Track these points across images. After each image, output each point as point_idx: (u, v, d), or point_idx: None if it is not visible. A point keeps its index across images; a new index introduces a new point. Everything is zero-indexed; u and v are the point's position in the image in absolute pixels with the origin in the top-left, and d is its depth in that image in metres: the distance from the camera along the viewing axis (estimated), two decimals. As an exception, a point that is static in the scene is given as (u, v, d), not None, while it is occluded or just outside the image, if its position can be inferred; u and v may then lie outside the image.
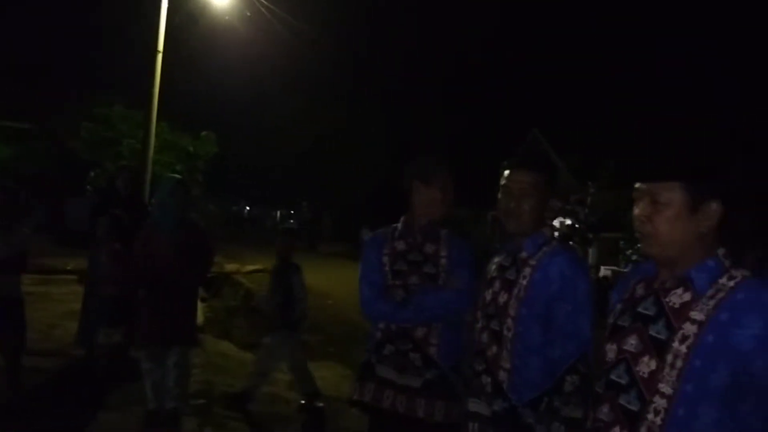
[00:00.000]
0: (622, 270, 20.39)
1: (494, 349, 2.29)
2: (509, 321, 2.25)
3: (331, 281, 15.37)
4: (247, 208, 53.47)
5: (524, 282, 2.26)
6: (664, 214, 1.59)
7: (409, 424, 2.69)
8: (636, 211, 1.66)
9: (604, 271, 19.78)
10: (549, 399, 2.15)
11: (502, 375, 2.24)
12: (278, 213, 50.29)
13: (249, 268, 15.92)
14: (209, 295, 11.57)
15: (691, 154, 1.65)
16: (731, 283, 1.54)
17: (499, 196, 2.37)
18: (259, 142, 35.09)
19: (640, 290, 1.71)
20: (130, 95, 17.27)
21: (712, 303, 1.53)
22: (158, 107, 11.34)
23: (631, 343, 1.64)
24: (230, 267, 15.69)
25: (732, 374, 1.47)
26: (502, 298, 2.30)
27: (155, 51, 11.31)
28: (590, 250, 21.12)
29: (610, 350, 1.70)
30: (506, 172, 2.35)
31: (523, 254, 2.33)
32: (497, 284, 2.36)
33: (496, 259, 2.46)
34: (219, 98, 33.02)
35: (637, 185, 1.67)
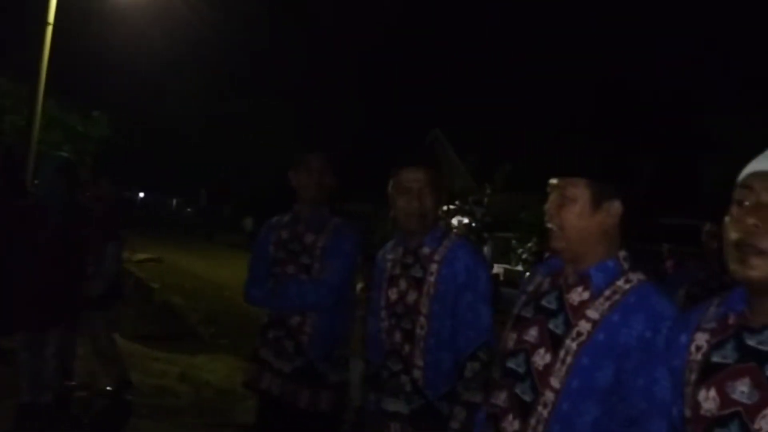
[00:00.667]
0: (513, 268, 21.25)
1: (407, 348, 2.30)
2: (421, 319, 2.27)
3: (228, 272, 15.10)
4: (141, 194, 51.32)
5: (432, 279, 2.28)
6: (570, 208, 1.66)
7: (283, 407, 2.81)
8: (546, 205, 1.73)
9: (496, 268, 20.64)
10: (453, 386, 2.23)
11: (417, 373, 2.27)
12: (174, 201, 48.64)
13: (140, 257, 15.32)
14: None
15: (597, 154, 1.76)
16: (627, 286, 1.60)
17: (396, 196, 2.36)
18: (155, 127, 33.51)
19: (545, 285, 1.76)
20: (14, 68, 16.08)
21: (607, 304, 1.59)
22: (46, 83, 10.65)
23: (532, 334, 1.68)
24: (120, 255, 15.00)
25: (615, 374, 1.53)
26: (411, 296, 2.31)
27: (45, 23, 10.62)
28: (485, 249, 21.87)
29: (511, 339, 1.74)
30: (400, 172, 2.35)
31: (426, 250, 2.33)
32: (402, 283, 2.35)
33: (391, 256, 2.45)
34: (113, 78, 30.91)
35: (550, 181, 1.74)
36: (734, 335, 1.25)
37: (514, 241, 21.07)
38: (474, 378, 2.18)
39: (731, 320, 1.27)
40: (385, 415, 2.35)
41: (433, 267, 2.29)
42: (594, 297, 1.62)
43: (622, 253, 1.67)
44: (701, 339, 1.31)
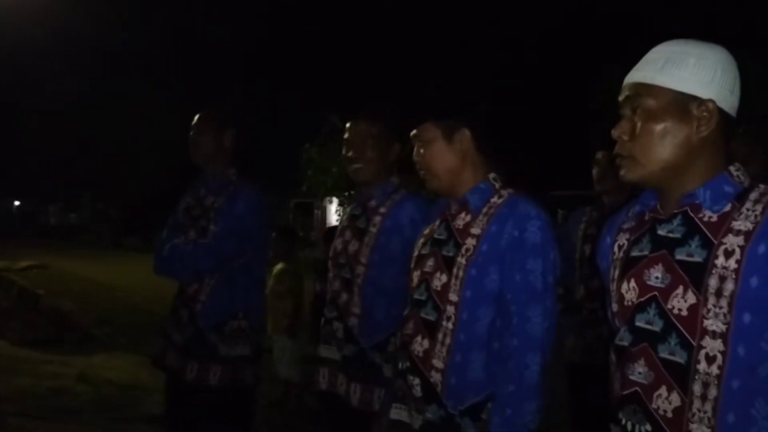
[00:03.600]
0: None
1: (345, 296, 2.35)
2: (360, 268, 2.32)
3: (118, 274, 14.59)
4: (16, 203, 47.98)
5: (374, 230, 2.34)
6: (431, 149, 1.88)
7: (179, 382, 2.66)
8: (413, 156, 1.93)
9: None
10: (396, 339, 2.22)
11: (353, 320, 2.31)
12: (53, 207, 45.81)
13: (22, 265, 14.41)
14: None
15: (433, 97, 2.00)
16: (500, 201, 1.82)
17: (344, 147, 2.45)
18: (27, 127, 31.19)
19: (437, 222, 1.95)
20: None
21: (485, 219, 1.80)
22: None
23: (429, 264, 1.86)
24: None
25: (499, 278, 1.74)
26: (353, 246, 2.37)
27: None
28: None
29: (415, 276, 1.91)
30: (347, 125, 2.45)
31: (373, 203, 2.40)
32: (348, 233, 2.43)
33: (348, 210, 2.55)
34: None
35: (410, 134, 1.95)
36: (649, 229, 1.35)
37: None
38: None
39: (647, 216, 1.37)
40: (317, 360, 2.41)
41: (377, 219, 2.35)
42: (474, 217, 1.83)
43: (492, 175, 1.89)
44: (623, 239, 1.41)
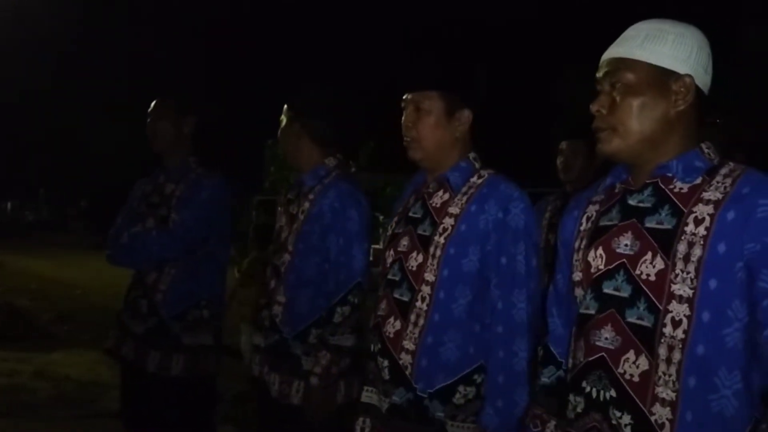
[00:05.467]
0: (381, 248, 21.51)
1: (273, 283, 2.31)
2: (286, 255, 2.27)
3: (78, 271, 14.29)
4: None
5: (301, 216, 2.28)
6: (426, 120, 1.79)
7: (138, 373, 2.59)
8: (403, 119, 1.84)
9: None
10: (319, 330, 2.19)
11: (277, 309, 2.26)
12: (9, 204, 44.54)
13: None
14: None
15: (447, 67, 1.91)
16: (480, 181, 1.79)
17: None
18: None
19: (411, 200, 1.90)
20: None
21: (465, 198, 1.76)
22: None
23: (404, 244, 1.81)
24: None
25: (480, 258, 1.72)
26: (285, 233, 2.33)
27: None
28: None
29: (389, 256, 1.85)
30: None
31: (305, 188, 2.34)
32: (283, 219, 2.38)
33: (286, 195, 2.48)
34: None
35: (404, 96, 1.84)
36: (619, 200, 1.37)
37: (381, 218, 21.34)
38: (343, 322, 2.15)
39: (617, 189, 1.39)
40: (253, 348, 2.40)
41: (306, 205, 2.29)
42: (453, 196, 1.78)
43: (472, 155, 1.84)
44: (591, 210, 1.44)
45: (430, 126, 1.79)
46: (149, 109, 2.72)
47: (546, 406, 1.51)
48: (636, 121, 1.30)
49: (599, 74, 1.37)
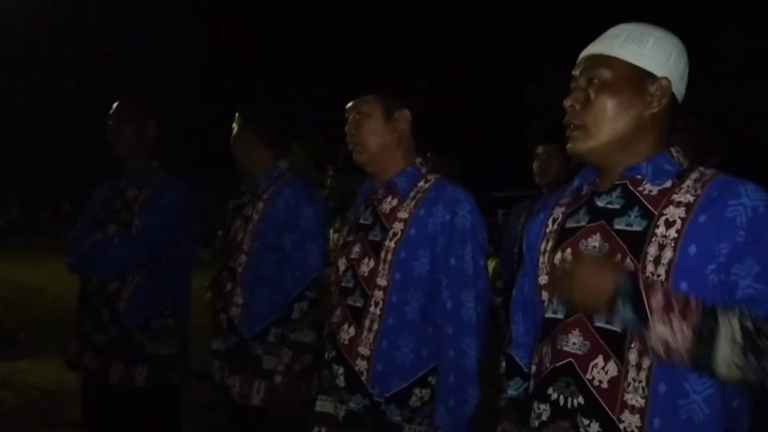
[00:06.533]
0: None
1: (229, 286, 2.31)
2: (242, 256, 2.29)
3: (50, 277, 13.98)
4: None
5: (256, 216, 2.31)
6: (367, 123, 1.85)
7: (99, 384, 2.54)
8: (346, 126, 1.90)
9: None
10: (278, 329, 2.22)
11: (234, 311, 2.27)
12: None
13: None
14: None
15: (382, 73, 2.03)
16: (427, 185, 1.84)
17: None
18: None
19: (362, 208, 1.93)
20: None
21: (413, 203, 1.81)
22: None
23: (356, 251, 1.85)
24: None
25: (430, 261, 1.76)
26: (240, 235, 2.34)
27: None
28: (330, 232, 21.99)
29: (341, 264, 1.89)
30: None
31: (259, 189, 2.37)
32: (237, 222, 2.39)
33: (237, 200, 2.51)
34: None
35: (347, 106, 1.91)
36: (587, 202, 1.35)
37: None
38: (302, 318, 2.18)
39: (584, 191, 1.37)
40: (211, 353, 2.39)
41: (260, 205, 2.32)
42: (401, 201, 1.82)
43: (418, 160, 1.90)
44: (558, 212, 1.42)
45: (371, 129, 1.85)
46: (111, 112, 2.66)
47: (514, 420, 1.49)
48: (610, 119, 1.28)
49: (576, 71, 1.35)
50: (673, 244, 1.20)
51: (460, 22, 22.22)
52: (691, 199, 1.22)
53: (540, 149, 3.21)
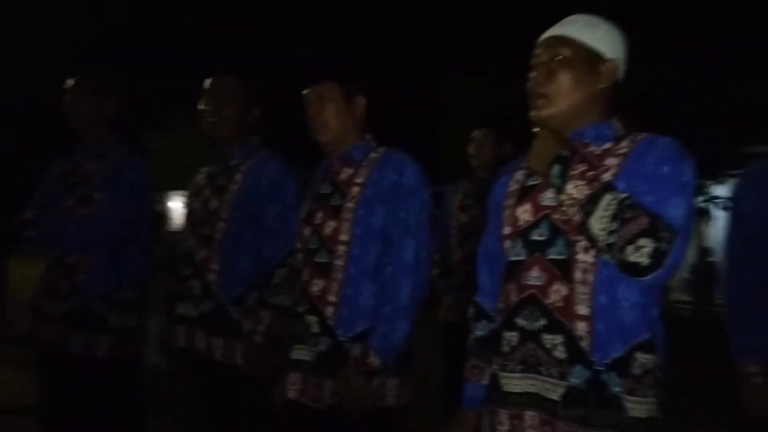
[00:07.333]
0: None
1: (203, 252, 2.38)
2: (220, 224, 2.37)
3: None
4: None
5: (235, 187, 2.40)
6: (331, 106, 2.10)
7: (58, 356, 2.54)
8: (309, 110, 2.12)
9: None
10: (258, 293, 2.34)
11: (211, 277, 2.36)
12: None
13: None
14: None
15: (338, 64, 2.28)
16: (377, 155, 2.12)
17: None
18: None
19: (320, 182, 2.17)
20: None
21: (366, 170, 2.08)
22: None
23: (319, 216, 2.09)
24: None
25: (385, 216, 2.02)
26: (213, 203, 2.41)
27: None
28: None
29: (306, 230, 2.12)
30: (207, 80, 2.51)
31: (234, 161, 2.46)
32: (207, 191, 2.46)
33: (205, 169, 2.57)
34: None
35: (305, 91, 2.14)
36: None
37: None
38: (282, 284, 2.32)
39: None
40: (174, 319, 2.44)
41: (239, 177, 2.42)
42: (357, 169, 2.08)
43: (368, 136, 2.16)
44: (519, 174, 1.68)
45: (334, 111, 2.09)
46: (69, 86, 2.66)
47: (482, 356, 1.71)
48: (568, 90, 1.54)
49: (539, 49, 1.60)
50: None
51: (368, 19, 22.45)
52: (626, 150, 1.50)
53: (476, 133, 3.46)
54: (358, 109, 2.13)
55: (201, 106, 2.46)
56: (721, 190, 11.10)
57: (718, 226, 8.58)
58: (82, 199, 2.57)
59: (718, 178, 11.06)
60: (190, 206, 2.51)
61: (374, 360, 1.92)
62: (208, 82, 2.47)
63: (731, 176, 10.76)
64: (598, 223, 1.38)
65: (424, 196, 2.05)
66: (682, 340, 1.56)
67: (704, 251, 11.65)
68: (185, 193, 2.62)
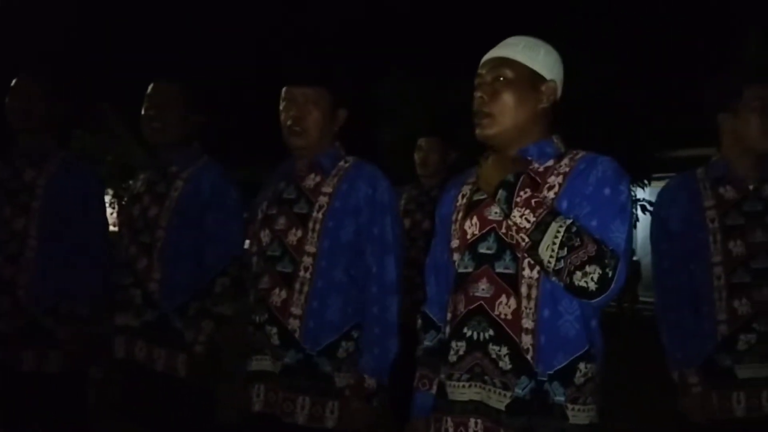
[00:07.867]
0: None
1: (144, 261, 2.33)
2: (160, 232, 2.32)
3: None
4: None
5: (175, 194, 2.35)
6: (315, 114, 2.05)
7: (5, 376, 2.47)
8: (291, 112, 2.05)
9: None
10: (200, 302, 2.30)
11: (153, 286, 2.31)
12: None
13: None
14: None
15: (329, 68, 2.21)
16: (347, 165, 2.08)
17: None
18: None
19: (281, 185, 2.11)
20: None
21: (335, 179, 2.04)
22: None
23: (281, 222, 2.03)
24: None
25: (355, 230, 2.00)
26: (153, 211, 2.36)
27: None
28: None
29: (264, 235, 2.06)
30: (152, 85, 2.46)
31: (174, 168, 2.40)
32: (146, 198, 2.40)
33: (142, 176, 2.51)
34: None
35: (287, 90, 2.08)
36: None
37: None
38: (224, 292, 2.29)
39: None
40: (114, 329, 2.38)
41: (178, 184, 2.37)
42: (325, 177, 2.05)
43: (337, 143, 2.13)
44: (466, 189, 1.73)
45: (317, 118, 2.05)
46: (15, 84, 2.56)
47: (431, 366, 1.76)
48: (512, 110, 1.60)
49: (483, 69, 1.66)
50: (551, 203, 1.52)
51: (302, 22, 22.31)
52: (567, 169, 1.56)
53: (422, 141, 3.52)
54: (338, 122, 2.11)
55: (144, 111, 2.40)
56: (643, 193, 11.58)
57: (639, 228, 8.92)
58: (21, 208, 2.49)
59: (640, 182, 11.52)
60: (128, 213, 2.45)
61: (371, 383, 1.94)
62: (151, 87, 2.42)
63: (653, 179, 11.30)
64: (547, 251, 1.43)
65: (396, 212, 2.08)
66: (608, 339, 1.65)
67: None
68: (112, 191, 2.54)
